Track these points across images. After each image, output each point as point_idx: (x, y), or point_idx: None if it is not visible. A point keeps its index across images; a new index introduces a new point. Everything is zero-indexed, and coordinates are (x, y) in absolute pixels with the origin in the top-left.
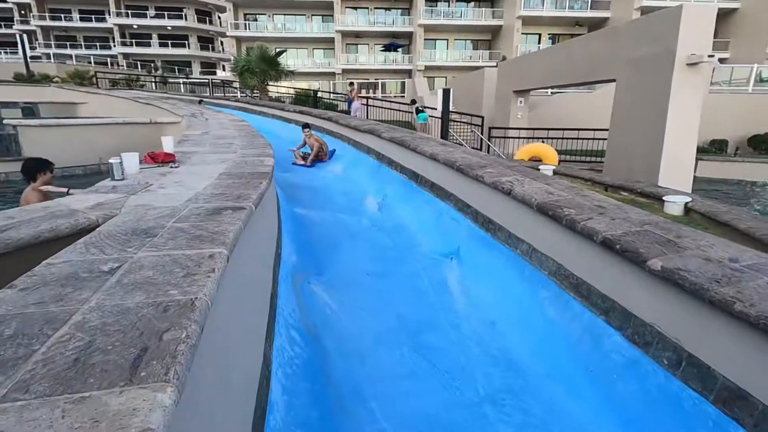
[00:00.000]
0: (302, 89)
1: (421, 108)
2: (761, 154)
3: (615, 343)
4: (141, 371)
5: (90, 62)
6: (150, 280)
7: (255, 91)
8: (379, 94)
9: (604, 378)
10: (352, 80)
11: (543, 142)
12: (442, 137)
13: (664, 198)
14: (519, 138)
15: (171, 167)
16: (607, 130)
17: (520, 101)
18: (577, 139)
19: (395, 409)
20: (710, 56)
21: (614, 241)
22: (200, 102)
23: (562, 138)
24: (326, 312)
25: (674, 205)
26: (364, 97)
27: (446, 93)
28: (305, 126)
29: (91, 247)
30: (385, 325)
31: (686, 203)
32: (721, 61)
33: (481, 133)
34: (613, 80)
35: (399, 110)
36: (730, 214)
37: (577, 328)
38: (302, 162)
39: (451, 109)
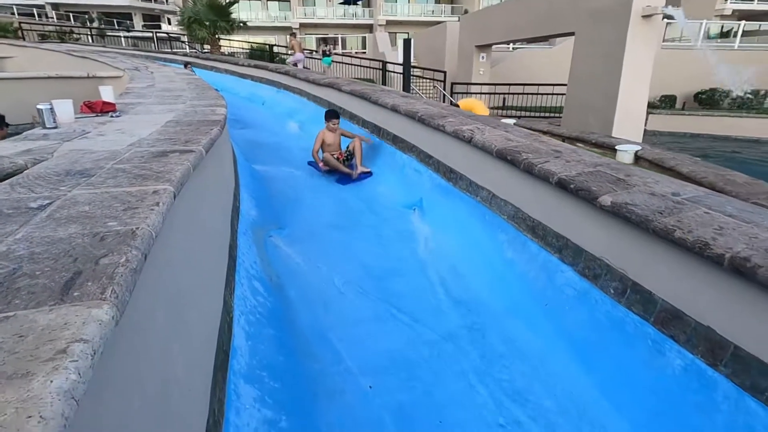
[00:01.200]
0: (257, 43)
1: (327, 52)
2: (705, 109)
3: (567, 278)
4: (74, 291)
5: (13, 13)
6: (86, 214)
7: (205, 46)
8: (339, 50)
9: (557, 311)
10: (293, 32)
11: (504, 98)
12: (404, 90)
13: (616, 147)
14: (481, 93)
15: (111, 116)
16: (565, 85)
17: (482, 57)
18: (537, 94)
19: (360, 350)
20: (664, 8)
21: (569, 182)
22: (186, 65)
23: (523, 93)
24: (289, 264)
25: (625, 153)
26: (338, 54)
27: (407, 44)
28: (332, 115)
29: (18, 187)
30: (349, 275)
31: (636, 152)
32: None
33: (444, 89)
34: (572, 34)
35: (362, 66)
36: (674, 160)
37: (533, 267)
38: (325, 167)
39: (412, 63)
